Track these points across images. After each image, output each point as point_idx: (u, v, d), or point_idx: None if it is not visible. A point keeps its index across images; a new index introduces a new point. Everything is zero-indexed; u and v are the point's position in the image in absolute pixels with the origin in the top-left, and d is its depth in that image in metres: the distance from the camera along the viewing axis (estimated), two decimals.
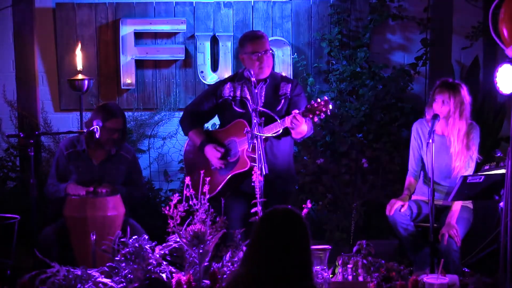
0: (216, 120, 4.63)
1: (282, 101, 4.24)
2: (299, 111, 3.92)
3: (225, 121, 4.37)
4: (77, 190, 4.26)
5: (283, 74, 4.83)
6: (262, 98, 4.20)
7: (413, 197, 4.34)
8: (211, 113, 4.43)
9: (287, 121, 3.93)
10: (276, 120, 3.98)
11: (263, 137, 3.94)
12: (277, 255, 2.37)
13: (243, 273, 2.41)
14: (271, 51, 4.26)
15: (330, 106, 3.89)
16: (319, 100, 3.90)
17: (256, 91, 4.09)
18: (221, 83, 4.41)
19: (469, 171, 4.18)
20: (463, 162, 4.17)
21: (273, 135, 4.02)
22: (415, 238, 4.17)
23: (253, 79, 4.08)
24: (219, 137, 4.31)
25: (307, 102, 4.29)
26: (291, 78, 4.43)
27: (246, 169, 4.08)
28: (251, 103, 4.09)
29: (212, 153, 4.22)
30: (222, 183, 4.20)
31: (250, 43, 4.19)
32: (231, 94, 4.29)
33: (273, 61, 4.31)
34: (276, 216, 2.45)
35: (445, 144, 4.21)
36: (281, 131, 4.00)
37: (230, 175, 4.18)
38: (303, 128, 4.00)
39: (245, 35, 4.31)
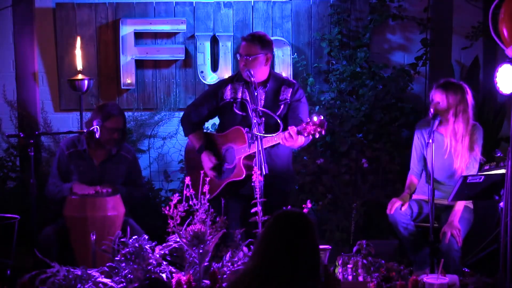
0: (216, 120, 4.62)
1: (282, 106, 4.22)
2: (294, 129, 3.83)
3: (225, 122, 4.36)
4: (84, 189, 4.25)
5: (283, 74, 4.82)
6: (262, 101, 4.18)
7: (415, 196, 4.34)
8: (211, 114, 4.42)
9: (282, 137, 3.88)
10: (276, 122, 3.95)
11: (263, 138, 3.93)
12: (286, 256, 2.39)
13: (251, 271, 2.42)
14: (257, 56, 4.13)
15: (325, 126, 3.78)
16: (315, 119, 3.77)
17: (256, 94, 4.08)
18: (222, 84, 4.36)
19: (473, 172, 4.18)
20: (466, 163, 4.17)
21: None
22: (415, 238, 4.17)
23: (252, 79, 4.07)
24: (218, 142, 4.30)
25: (307, 107, 4.29)
26: (293, 81, 4.36)
27: (242, 178, 4.09)
28: (250, 104, 4.08)
29: (206, 162, 4.24)
30: (219, 188, 4.21)
31: (241, 43, 4.23)
32: (232, 96, 4.27)
33: (261, 66, 4.18)
34: (288, 218, 2.47)
35: (446, 142, 4.22)
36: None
37: (226, 182, 4.19)
38: (299, 141, 3.96)
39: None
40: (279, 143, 4.01)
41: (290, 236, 2.42)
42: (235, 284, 2.49)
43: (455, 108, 4.14)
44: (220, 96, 4.31)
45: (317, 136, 3.82)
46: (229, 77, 4.52)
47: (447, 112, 4.15)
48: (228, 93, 4.29)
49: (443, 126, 4.22)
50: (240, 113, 4.24)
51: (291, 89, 4.24)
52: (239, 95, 4.26)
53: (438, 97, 4.16)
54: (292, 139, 3.85)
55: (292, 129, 3.84)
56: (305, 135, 3.83)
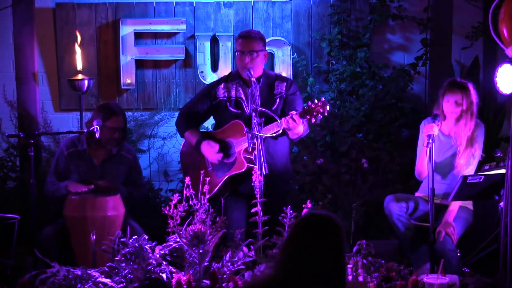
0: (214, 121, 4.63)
1: (278, 100, 4.24)
2: (296, 112, 3.91)
3: (220, 122, 4.36)
4: (78, 187, 4.25)
5: (283, 74, 4.83)
6: (257, 97, 4.20)
7: (417, 194, 4.35)
8: (206, 114, 4.44)
9: (285, 122, 3.93)
10: (275, 120, 3.98)
11: (263, 137, 3.95)
12: (313, 260, 2.30)
13: (275, 276, 2.35)
14: (259, 53, 4.19)
15: (328, 107, 3.88)
16: (316, 101, 3.89)
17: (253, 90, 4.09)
18: (215, 84, 4.41)
19: (471, 168, 4.20)
20: (465, 159, 4.19)
21: (272, 135, 4.03)
22: (411, 233, 4.16)
23: (253, 79, 4.08)
24: (216, 138, 4.31)
25: (302, 101, 4.31)
26: (286, 76, 4.41)
27: (243, 170, 4.09)
28: (246, 103, 4.09)
29: (208, 149, 4.22)
30: (219, 185, 4.20)
31: (239, 41, 4.24)
32: (226, 95, 4.30)
33: (261, 63, 4.23)
34: (315, 221, 2.38)
35: (450, 143, 4.23)
36: (280, 131, 4.00)
37: (227, 176, 4.18)
38: (300, 128, 4.01)
39: (240, 33, 4.36)
40: (279, 137, 4.05)
41: (317, 242, 2.31)
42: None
43: (471, 107, 4.17)
44: (213, 95, 4.33)
45: (319, 118, 3.88)
46: (221, 77, 4.53)
47: (466, 112, 4.16)
48: (221, 92, 4.32)
49: (449, 126, 4.23)
50: (234, 110, 4.26)
51: (285, 83, 4.28)
52: (233, 93, 4.28)
53: (455, 98, 4.15)
54: (296, 123, 3.89)
55: (292, 113, 3.90)
56: (308, 117, 3.89)
